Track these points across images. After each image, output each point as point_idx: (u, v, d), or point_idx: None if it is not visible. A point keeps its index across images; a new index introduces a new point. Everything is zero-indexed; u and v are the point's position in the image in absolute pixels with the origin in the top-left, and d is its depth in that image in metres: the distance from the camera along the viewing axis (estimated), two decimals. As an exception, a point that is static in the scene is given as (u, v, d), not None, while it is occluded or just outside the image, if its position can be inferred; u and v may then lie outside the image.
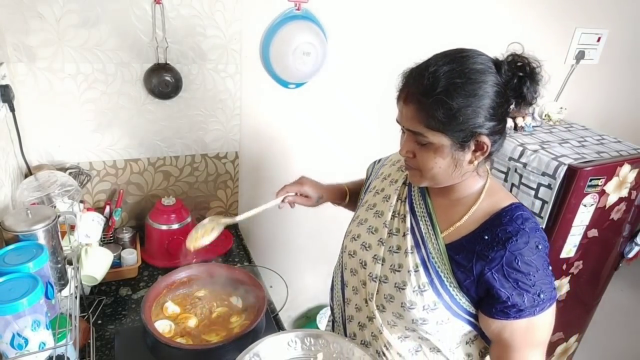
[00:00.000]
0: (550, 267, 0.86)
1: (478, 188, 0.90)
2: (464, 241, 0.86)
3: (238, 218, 1.10)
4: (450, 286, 0.87)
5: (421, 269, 0.88)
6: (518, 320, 0.83)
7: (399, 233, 0.95)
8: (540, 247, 0.83)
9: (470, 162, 0.83)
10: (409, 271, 0.89)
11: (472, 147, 0.81)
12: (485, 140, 0.80)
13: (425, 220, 0.92)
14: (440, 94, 0.76)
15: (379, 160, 1.18)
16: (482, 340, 0.94)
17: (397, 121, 0.87)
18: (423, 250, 0.89)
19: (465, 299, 0.87)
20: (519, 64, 0.81)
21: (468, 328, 0.91)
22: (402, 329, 0.93)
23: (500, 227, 0.83)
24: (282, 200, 1.12)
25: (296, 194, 1.13)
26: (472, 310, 0.89)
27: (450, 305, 0.87)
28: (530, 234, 0.82)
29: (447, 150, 0.81)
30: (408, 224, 0.93)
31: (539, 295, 0.82)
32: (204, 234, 1.06)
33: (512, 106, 0.83)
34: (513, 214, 0.84)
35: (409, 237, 0.92)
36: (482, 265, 0.83)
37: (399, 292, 0.90)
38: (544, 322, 0.85)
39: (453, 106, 0.76)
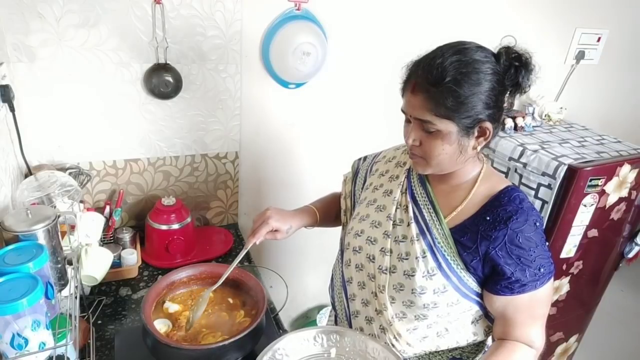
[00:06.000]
0: (547, 243, 0.90)
1: (476, 173, 0.95)
2: (467, 223, 0.91)
3: (218, 284, 1.09)
4: (458, 268, 0.91)
5: (429, 255, 0.92)
6: (521, 295, 0.88)
7: (402, 223, 0.98)
8: (537, 224, 0.88)
9: (474, 147, 0.88)
10: (416, 258, 0.93)
11: (476, 133, 0.86)
12: (488, 126, 0.86)
13: (428, 208, 0.96)
14: (449, 82, 0.81)
15: (365, 158, 1.21)
16: (486, 319, 0.99)
17: (403, 111, 0.90)
18: (429, 237, 0.93)
19: (472, 279, 0.91)
20: (513, 55, 0.86)
21: (475, 308, 0.96)
22: (412, 319, 0.97)
23: (500, 207, 0.88)
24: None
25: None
26: (478, 290, 0.93)
27: (459, 286, 0.92)
28: (528, 212, 0.88)
29: (454, 137, 0.85)
30: (411, 213, 0.97)
31: (539, 270, 0.87)
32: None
33: (507, 94, 0.89)
34: (510, 195, 0.90)
35: (413, 225, 0.95)
36: (487, 245, 0.88)
37: (408, 280, 0.93)
38: (544, 295, 0.90)
39: (461, 94, 0.81)
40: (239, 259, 1.07)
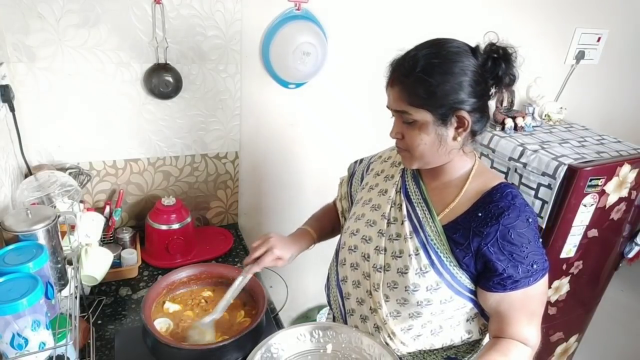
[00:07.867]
0: (541, 240, 0.91)
1: (467, 169, 0.95)
2: (459, 220, 0.92)
3: (215, 315, 1.05)
4: (450, 265, 0.91)
5: (421, 252, 0.92)
6: (514, 291, 0.88)
7: (397, 221, 0.99)
8: (530, 220, 0.88)
9: (454, 138, 0.89)
10: (409, 255, 0.93)
11: (454, 124, 0.87)
12: (466, 115, 0.86)
13: (421, 206, 0.96)
14: (419, 72, 0.83)
15: (361, 160, 1.22)
16: (482, 317, 0.99)
17: (387, 107, 0.92)
18: (422, 234, 0.94)
19: (465, 276, 0.92)
20: (492, 47, 0.87)
21: (470, 305, 0.96)
22: (406, 317, 0.97)
23: (492, 203, 0.89)
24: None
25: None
26: (472, 287, 0.93)
27: (452, 283, 0.92)
28: (520, 209, 0.88)
29: (431, 127, 0.86)
30: (405, 211, 0.98)
31: (532, 266, 0.87)
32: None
33: (492, 89, 0.89)
34: (503, 191, 0.90)
35: (407, 223, 0.96)
36: (479, 241, 0.88)
37: (402, 277, 0.94)
38: (537, 292, 0.90)
39: (432, 83, 0.83)
40: (240, 288, 1.07)
